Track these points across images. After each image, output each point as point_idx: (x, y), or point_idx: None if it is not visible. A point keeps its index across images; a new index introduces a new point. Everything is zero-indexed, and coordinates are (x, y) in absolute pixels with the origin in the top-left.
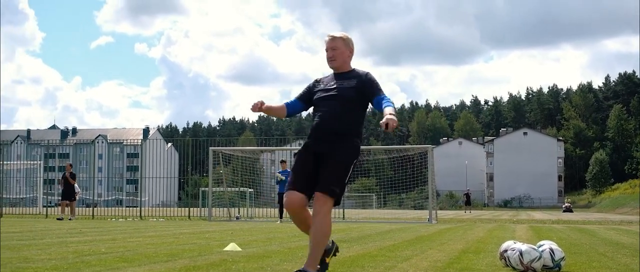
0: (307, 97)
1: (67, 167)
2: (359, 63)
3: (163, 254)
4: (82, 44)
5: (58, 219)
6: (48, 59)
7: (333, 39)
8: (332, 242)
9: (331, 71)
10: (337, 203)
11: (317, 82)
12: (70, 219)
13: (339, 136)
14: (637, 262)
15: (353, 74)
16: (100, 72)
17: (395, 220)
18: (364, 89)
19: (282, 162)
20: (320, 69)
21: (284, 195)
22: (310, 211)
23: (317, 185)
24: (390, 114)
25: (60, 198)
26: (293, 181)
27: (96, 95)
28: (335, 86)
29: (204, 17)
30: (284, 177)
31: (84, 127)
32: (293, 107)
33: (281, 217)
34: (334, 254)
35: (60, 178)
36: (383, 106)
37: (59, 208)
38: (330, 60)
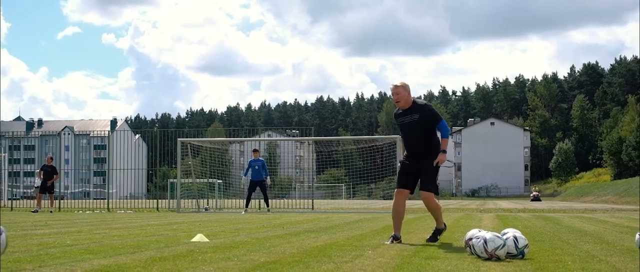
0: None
1: (47, 160)
2: (329, 54)
3: (129, 246)
4: (48, 35)
5: (50, 211)
6: (13, 50)
7: (396, 87)
8: (444, 225)
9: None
10: (436, 193)
11: (396, 115)
12: (35, 211)
13: (423, 156)
14: (598, 248)
15: (414, 107)
16: (67, 62)
17: (364, 210)
18: (426, 120)
19: (255, 151)
20: (290, 59)
21: (396, 189)
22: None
23: (421, 187)
24: (443, 150)
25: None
26: (404, 182)
27: (63, 86)
28: (405, 121)
29: (173, 7)
30: (257, 167)
31: (50, 118)
32: None
33: (247, 207)
34: (440, 234)
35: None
36: (440, 136)
37: (45, 201)
38: (397, 102)
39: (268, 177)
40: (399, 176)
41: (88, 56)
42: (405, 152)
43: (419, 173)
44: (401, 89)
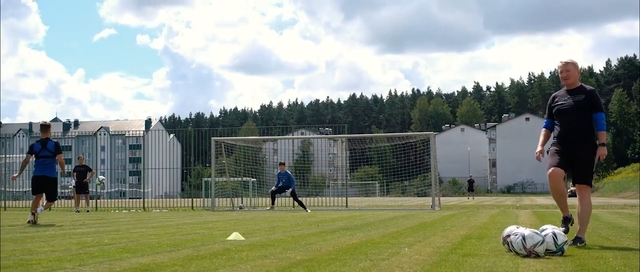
0: (551, 111)
1: (79, 160)
2: (362, 51)
3: (166, 245)
4: (85, 37)
5: (87, 211)
6: (51, 52)
7: (565, 64)
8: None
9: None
10: (591, 186)
11: (554, 97)
12: (77, 211)
13: (581, 142)
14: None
15: (581, 90)
16: (103, 64)
17: (399, 207)
18: (592, 104)
19: (281, 164)
20: (323, 57)
21: (550, 170)
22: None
23: (577, 179)
24: (603, 143)
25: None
26: (557, 163)
27: (99, 87)
28: (569, 102)
29: (207, 7)
30: (284, 181)
31: (87, 119)
32: (552, 125)
33: (273, 204)
34: (571, 224)
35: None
36: (597, 128)
37: (82, 201)
38: (564, 79)
39: (289, 187)
40: (552, 157)
41: (123, 57)
42: (556, 138)
43: (576, 160)
44: (571, 67)
